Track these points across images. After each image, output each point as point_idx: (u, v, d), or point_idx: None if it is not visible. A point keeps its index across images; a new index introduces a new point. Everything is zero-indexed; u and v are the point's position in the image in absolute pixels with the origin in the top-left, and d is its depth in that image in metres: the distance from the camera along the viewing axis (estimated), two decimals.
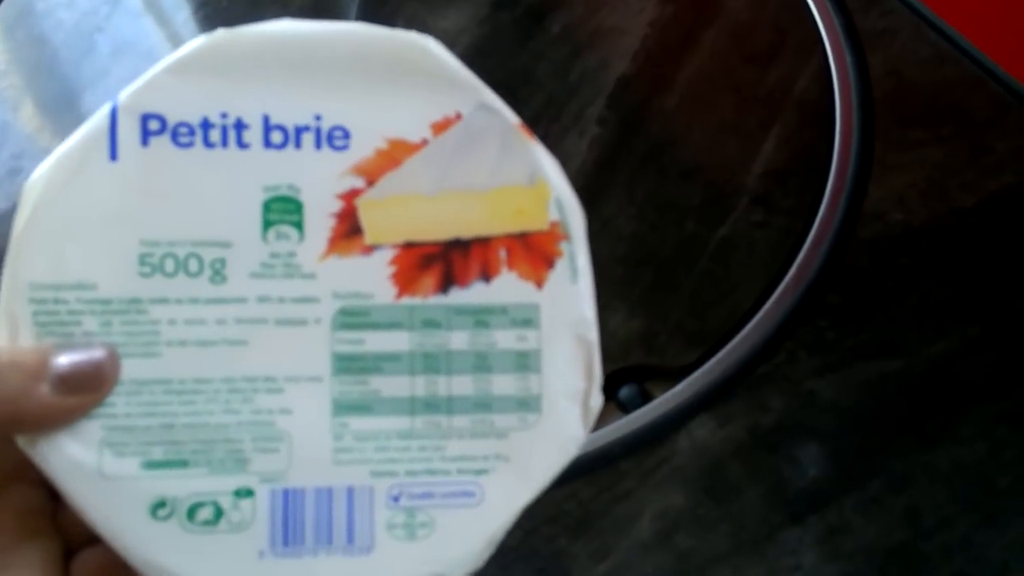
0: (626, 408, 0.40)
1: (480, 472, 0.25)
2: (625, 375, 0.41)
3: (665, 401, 0.40)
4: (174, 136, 0.25)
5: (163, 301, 0.24)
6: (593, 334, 0.25)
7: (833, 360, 0.41)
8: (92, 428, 0.23)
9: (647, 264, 0.44)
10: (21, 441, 0.23)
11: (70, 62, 0.55)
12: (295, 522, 0.24)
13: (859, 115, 0.47)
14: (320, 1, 0.56)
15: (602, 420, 0.40)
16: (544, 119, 0.49)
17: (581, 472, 0.38)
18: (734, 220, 0.45)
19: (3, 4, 0.57)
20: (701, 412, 0.40)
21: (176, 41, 0.54)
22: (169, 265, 0.24)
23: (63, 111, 0.53)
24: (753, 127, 0.48)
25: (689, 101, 0.49)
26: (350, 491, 0.24)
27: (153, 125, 0.25)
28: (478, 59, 0.51)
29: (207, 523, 0.24)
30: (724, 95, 0.49)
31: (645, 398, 0.41)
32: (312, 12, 0.54)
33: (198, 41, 0.25)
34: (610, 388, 0.41)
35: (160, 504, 0.24)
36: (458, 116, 0.26)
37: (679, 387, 0.41)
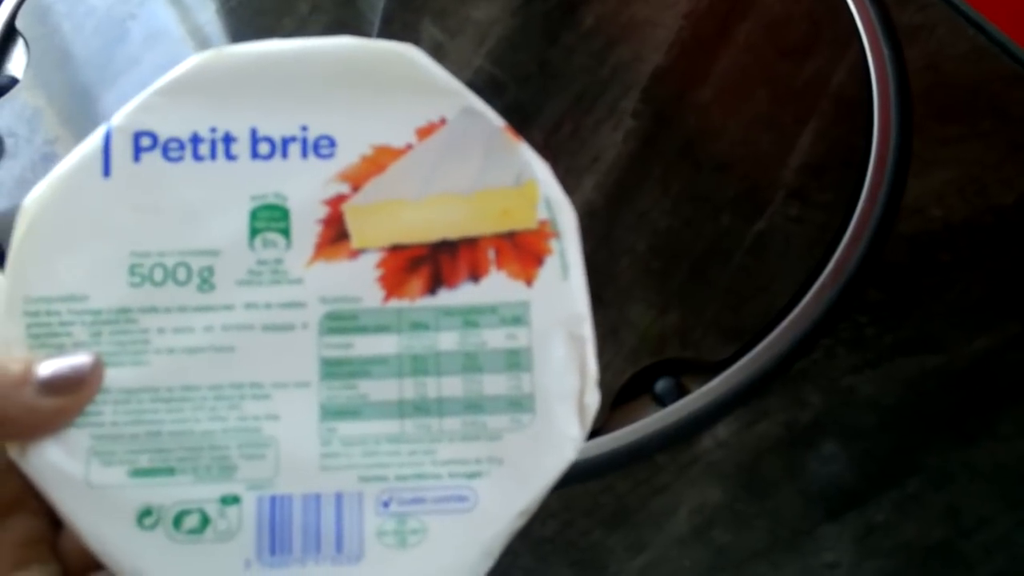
0: (662, 402, 0.40)
1: (473, 475, 0.24)
2: (661, 369, 0.41)
3: (701, 395, 0.40)
4: (164, 151, 0.25)
5: (152, 310, 0.24)
6: (586, 330, 0.25)
7: (872, 356, 0.40)
8: (80, 437, 0.23)
9: (682, 258, 0.44)
10: (12, 451, 0.23)
11: (102, 49, 0.54)
12: (282, 530, 0.24)
13: (897, 110, 0.47)
14: None
15: (638, 414, 0.40)
16: (577, 111, 0.49)
17: (617, 465, 0.38)
18: (770, 214, 0.45)
19: None
20: (738, 407, 0.40)
21: (205, 32, 0.54)
22: (158, 274, 0.24)
23: (96, 98, 0.53)
24: (789, 121, 0.47)
25: (724, 94, 0.49)
26: (338, 497, 0.24)
27: (145, 142, 0.25)
28: (510, 51, 0.51)
29: (193, 532, 0.23)
30: (759, 88, 0.49)
31: (681, 392, 0.40)
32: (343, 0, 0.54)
33: (189, 62, 0.25)
34: (646, 382, 0.41)
35: (146, 512, 0.23)
36: (443, 121, 0.26)
37: (715, 382, 0.40)
